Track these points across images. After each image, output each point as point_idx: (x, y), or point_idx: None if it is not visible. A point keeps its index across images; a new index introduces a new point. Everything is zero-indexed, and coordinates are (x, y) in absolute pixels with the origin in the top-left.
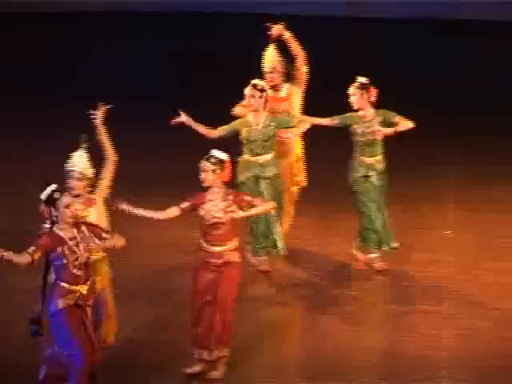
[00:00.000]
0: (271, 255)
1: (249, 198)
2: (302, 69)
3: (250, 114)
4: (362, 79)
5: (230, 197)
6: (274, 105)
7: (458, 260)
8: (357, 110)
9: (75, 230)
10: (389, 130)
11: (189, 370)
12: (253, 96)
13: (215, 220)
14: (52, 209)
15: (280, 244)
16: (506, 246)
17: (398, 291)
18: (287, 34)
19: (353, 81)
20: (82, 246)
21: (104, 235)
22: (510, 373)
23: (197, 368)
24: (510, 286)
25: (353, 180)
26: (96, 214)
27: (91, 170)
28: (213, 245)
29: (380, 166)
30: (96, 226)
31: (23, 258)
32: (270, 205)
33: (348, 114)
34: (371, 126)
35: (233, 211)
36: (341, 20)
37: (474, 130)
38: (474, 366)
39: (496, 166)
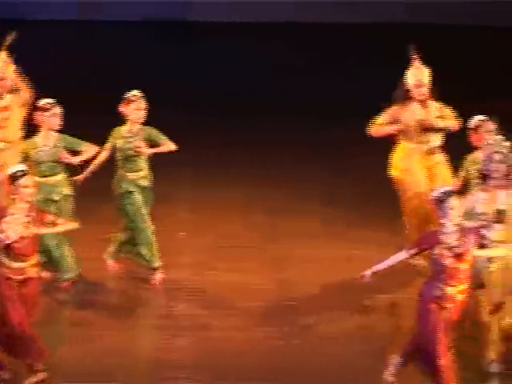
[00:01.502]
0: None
1: (51, 217)
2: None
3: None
4: None
5: (33, 213)
6: None
7: (194, 261)
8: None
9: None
10: (150, 151)
11: None
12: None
13: (16, 235)
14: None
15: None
16: (238, 245)
17: (132, 293)
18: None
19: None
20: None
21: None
22: (246, 371)
23: None
24: (244, 284)
25: (117, 194)
26: None
27: None
28: (14, 260)
29: (143, 182)
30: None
31: None
32: (73, 224)
33: (114, 131)
34: (132, 141)
35: (33, 227)
36: (73, 24)
37: (205, 131)
38: (209, 365)
39: (220, 169)
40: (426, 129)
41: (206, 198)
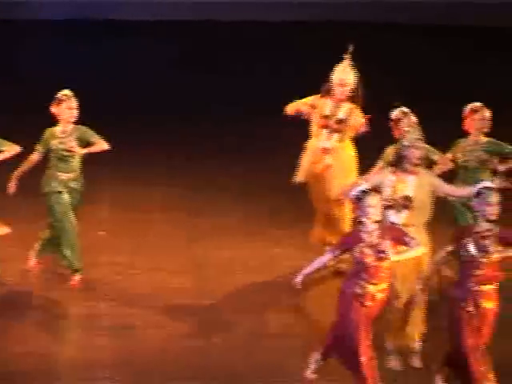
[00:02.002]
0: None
1: None
2: None
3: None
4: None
5: None
6: None
7: (113, 260)
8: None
9: None
10: (83, 151)
11: None
12: None
13: None
14: None
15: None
16: (158, 244)
17: (52, 292)
18: None
19: None
20: None
21: None
22: (167, 370)
23: None
24: (165, 283)
25: (46, 192)
26: None
27: None
28: None
29: (74, 184)
30: None
31: None
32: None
33: (47, 132)
34: (66, 141)
35: None
36: None
37: (124, 130)
38: (130, 364)
39: (140, 168)
40: (326, 126)
41: (126, 198)
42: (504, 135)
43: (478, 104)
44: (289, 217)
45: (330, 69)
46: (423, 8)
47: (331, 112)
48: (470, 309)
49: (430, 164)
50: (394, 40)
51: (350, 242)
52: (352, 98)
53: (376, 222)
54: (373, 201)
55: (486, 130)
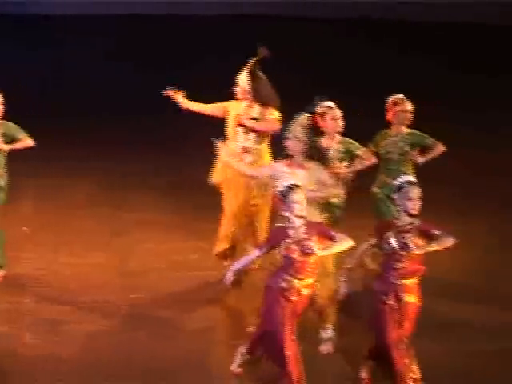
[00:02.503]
0: None
1: None
2: None
3: None
4: None
5: None
6: None
7: (37, 256)
8: None
9: None
10: (7, 147)
11: None
12: None
13: None
14: None
15: None
16: (82, 239)
17: None
18: None
19: None
20: None
21: None
22: (91, 366)
23: None
24: (89, 278)
25: None
26: None
27: None
28: None
29: None
30: None
31: None
32: None
33: None
34: None
35: None
36: None
37: (47, 127)
38: (54, 359)
39: (63, 163)
40: (241, 126)
41: (50, 193)
42: (426, 130)
43: (399, 96)
44: (213, 212)
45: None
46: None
47: (244, 111)
48: (391, 302)
49: (351, 158)
50: (308, 34)
51: (277, 238)
52: (256, 99)
53: (301, 217)
54: (298, 196)
55: (407, 122)
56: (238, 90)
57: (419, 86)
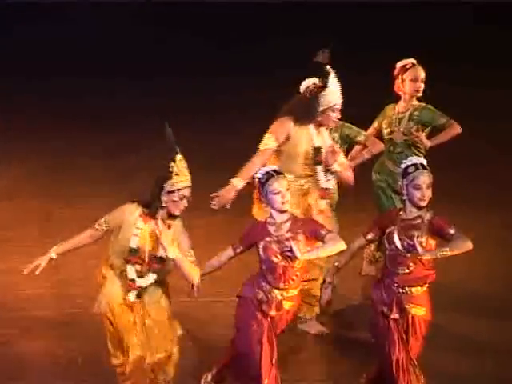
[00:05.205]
0: None
1: None
2: None
3: None
4: None
5: None
6: None
7: None
8: None
9: None
10: None
11: None
12: None
13: None
14: None
15: None
16: (6, 239)
17: None
18: None
19: None
20: None
21: None
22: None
23: None
24: (18, 289)
25: None
26: None
27: None
28: None
29: None
30: None
31: None
32: None
33: None
34: None
35: None
36: None
37: None
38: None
39: None
40: None
41: None
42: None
43: (410, 60)
44: None
45: None
46: None
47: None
48: (395, 316)
49: (351, 146)
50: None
51: (254, 236)
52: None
53: (284, 211)
54: (280, 186)
55: (418, 94)
56: None
57: None
